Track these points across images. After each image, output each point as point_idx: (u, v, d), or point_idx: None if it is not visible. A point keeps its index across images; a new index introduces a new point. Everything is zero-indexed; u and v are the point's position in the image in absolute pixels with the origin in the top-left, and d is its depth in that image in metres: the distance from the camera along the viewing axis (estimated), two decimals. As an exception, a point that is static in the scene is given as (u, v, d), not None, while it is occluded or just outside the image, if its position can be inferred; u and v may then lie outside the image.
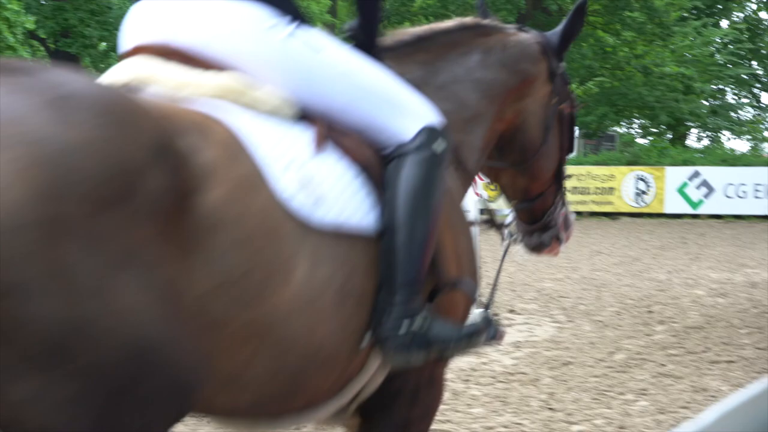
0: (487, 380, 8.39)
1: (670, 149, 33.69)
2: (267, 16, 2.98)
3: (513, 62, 3.94)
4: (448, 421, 7.16)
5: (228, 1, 2.98)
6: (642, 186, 29.22)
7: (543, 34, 4.15)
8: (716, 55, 46.88)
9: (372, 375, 3.13)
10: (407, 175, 3.06)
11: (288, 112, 2.97)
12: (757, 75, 51.18)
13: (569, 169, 27.39)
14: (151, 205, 2.26)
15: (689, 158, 31.19)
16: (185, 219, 2.38)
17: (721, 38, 47.53)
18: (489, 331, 3.29)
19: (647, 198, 29.17)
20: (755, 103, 53.15)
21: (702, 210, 28.74)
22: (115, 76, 2.96)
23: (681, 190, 28.75)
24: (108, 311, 2.12)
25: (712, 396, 7.75)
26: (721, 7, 49.61)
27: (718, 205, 28.53)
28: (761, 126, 55.38)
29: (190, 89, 2.85)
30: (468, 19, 3.95)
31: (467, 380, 8.40)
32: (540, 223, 4.30)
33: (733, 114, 49.30)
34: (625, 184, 29.40)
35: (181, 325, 2.33)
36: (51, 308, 2.02)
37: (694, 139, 50.44)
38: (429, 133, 3.17)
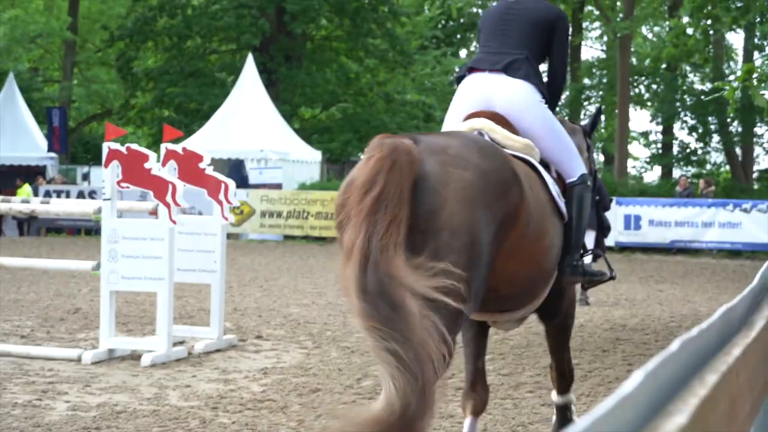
0: (236, 408, 8.27)
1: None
2: (538, 95, 6.22)
3: (578, 142, 6.93)
4: (198, 451, 7.00)
5: (520, 83, 6.16)
6: (385, 212, 29.61)
7: (582, 125, 7.43)
8: (456, 84, 48.17)
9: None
10: (577, 195, 6.19)
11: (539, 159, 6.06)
12: (494, 105, 52.88)
13: (315, 195, 26.97)
14: (514, 197, 5.08)
15: (430, 185, 31.80)
16: (523, 202, 5.17)
17: (460, 67, 48.90)
18: (610, 272, 6.76)
19: (389, 223, 29.57)
20: (492, 133, 54.94)
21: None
22: (468, 126, 5.92)
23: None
24: (492, 243, 4.94)
25: (458, 422, 7.85)
26: (459, 36, 51.06)
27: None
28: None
29: (509, 142, 5.85)
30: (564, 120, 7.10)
31: (216, 408, 8.26)
32: None
33: (471, 142, 50.75)
34: (368, 210, 29.71)
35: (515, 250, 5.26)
36: (484, 236, 4.84)
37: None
38: (584, 175, 6.33)
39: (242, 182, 29.92)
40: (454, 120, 6.25)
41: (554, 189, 5.84)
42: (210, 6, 41.06)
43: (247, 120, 32.95)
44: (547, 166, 6.09)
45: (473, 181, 4.79)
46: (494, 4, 6.81)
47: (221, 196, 11.39)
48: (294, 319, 13.51)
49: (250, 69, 34.76)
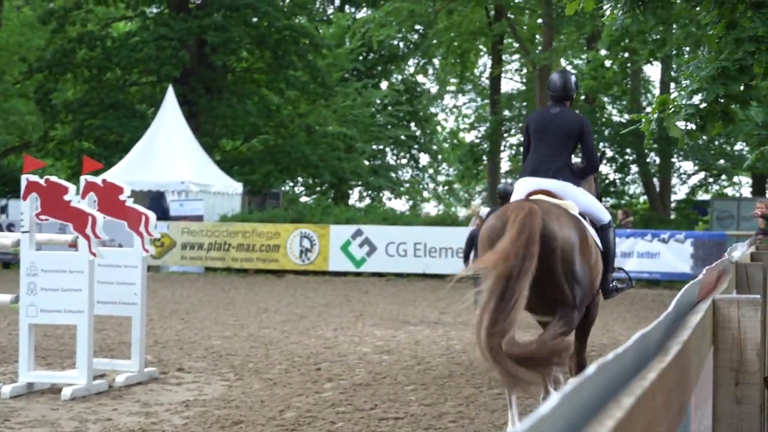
0: (157, 442, 8.21)
1: (333, 207, 34.35)
2: (572, 186, 9.01)
3: (592, 183, 9.67)
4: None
5: (561, 183, 8.91)
6: (306, 244, 29.59)
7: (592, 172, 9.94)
8: (377, 116, 48.31)
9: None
10: (607, 235, 9.05)
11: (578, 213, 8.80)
12: (416, 136, 53.11)
13: (236, 227, 26.85)
14: (584, 239, 8.26)
15: (352, 217, 31.89)
16: (587, 242, 8.33)
17: (381, 99, 49.06)
18: (629, 283, 9.80)
19: (312, 256, 29.55)
20: (413, 164, 55.16)
21: (365, 268, 29.34)
22: (532, 198, 8.46)
23: (345, 248, 29.29)
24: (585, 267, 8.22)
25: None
26: (380, 68, 51.24)
27: (380, 263, 29.20)
28: (420, 186, 57.46)
29: (562, 205, 8.50)
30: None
31: (137, 442, 8.19)
32: None
33: (393, 174, 50.89)
34: (290, 242, 29.70)
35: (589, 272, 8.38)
36: (579, 267, 8.10)
37: (357, 198, 51.68)
38: (610, 220, 9.23)
39: (163, 214, 29.72)
40: (517, 198, 8.96)
41: (592, 230, 8.69)
42: (130, 38, 40.80)
43: (168, 152, 32.77)
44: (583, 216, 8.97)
45: (570, 233, 7.96)
46: (537, 111, 10.05)
47: (142, 228, 11.34)
48: (216, 351, 13.45)
49: (170, 101, 34.59)
